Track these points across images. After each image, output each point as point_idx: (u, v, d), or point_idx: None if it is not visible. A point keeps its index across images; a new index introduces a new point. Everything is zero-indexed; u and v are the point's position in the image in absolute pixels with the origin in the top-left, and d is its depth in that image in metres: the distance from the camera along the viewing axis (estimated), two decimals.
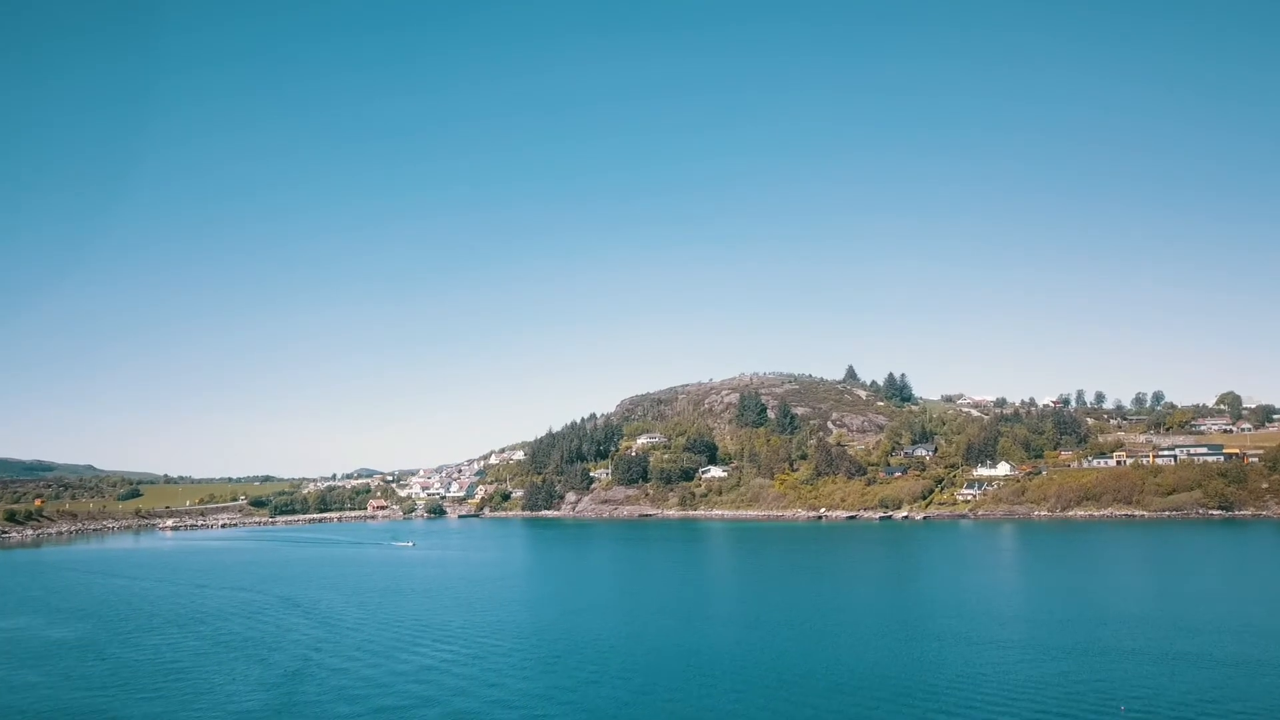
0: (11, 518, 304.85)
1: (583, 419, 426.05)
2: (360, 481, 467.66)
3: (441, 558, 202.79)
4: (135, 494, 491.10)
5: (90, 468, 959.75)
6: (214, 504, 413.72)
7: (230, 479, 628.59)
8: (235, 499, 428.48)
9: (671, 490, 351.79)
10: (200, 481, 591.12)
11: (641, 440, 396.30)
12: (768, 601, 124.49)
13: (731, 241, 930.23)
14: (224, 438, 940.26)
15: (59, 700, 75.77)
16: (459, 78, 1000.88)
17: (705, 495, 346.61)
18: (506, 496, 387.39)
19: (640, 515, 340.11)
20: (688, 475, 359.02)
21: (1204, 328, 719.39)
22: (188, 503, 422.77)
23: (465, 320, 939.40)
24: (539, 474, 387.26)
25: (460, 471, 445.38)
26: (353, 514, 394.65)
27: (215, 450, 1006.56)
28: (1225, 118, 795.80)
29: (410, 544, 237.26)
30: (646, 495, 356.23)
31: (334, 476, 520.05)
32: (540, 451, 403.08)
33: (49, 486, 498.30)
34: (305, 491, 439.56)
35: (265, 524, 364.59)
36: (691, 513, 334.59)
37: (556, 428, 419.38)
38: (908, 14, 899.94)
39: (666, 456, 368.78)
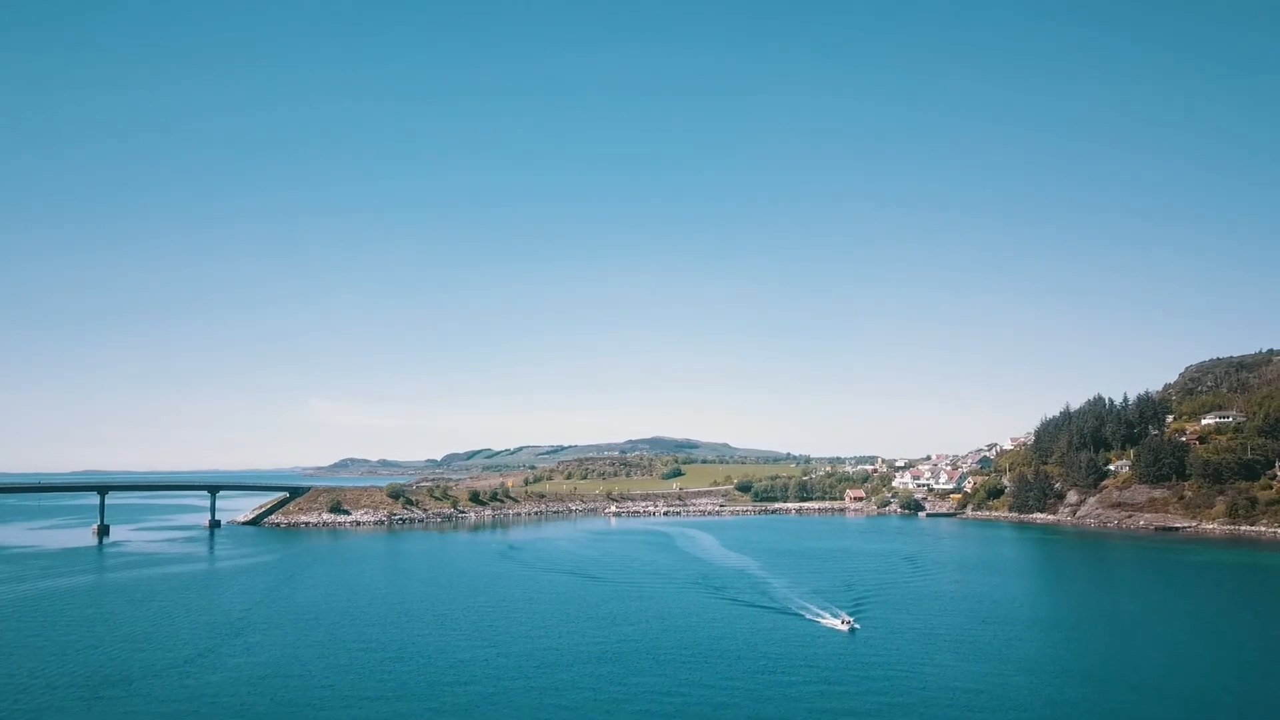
0: (475, 498, 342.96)
1: (1108, 397, 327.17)
2: (859, 469, 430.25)
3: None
4: (677, 473, 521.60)
5: (726, 445, 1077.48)
6: (696, 489, 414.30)
7: (810, 458, 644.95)
8: (728, 481, 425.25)
9: (1220, 493, 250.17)
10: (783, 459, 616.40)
11: (1208, 420, 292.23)
12: None
13: None
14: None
15: None
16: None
17: (1276, 504, 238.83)
18: (997, 492, 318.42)
19: (1157, 528, 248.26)
20: (1251, 472, 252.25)
21: None
22: (713, 483, 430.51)
23: None
24: (1043, 463, 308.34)
25: (962, 460, 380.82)
26: (825, 505, 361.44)
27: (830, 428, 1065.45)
28: None
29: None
30: (1180, 499, 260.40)
31: (839, 459, 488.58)
32: (1044, 436, 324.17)
33: (620, 466, 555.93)
34: (810, 476, 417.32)
35: (740, 513, 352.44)
36: (1244, 529, 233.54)
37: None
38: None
39: (1224, 443, 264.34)
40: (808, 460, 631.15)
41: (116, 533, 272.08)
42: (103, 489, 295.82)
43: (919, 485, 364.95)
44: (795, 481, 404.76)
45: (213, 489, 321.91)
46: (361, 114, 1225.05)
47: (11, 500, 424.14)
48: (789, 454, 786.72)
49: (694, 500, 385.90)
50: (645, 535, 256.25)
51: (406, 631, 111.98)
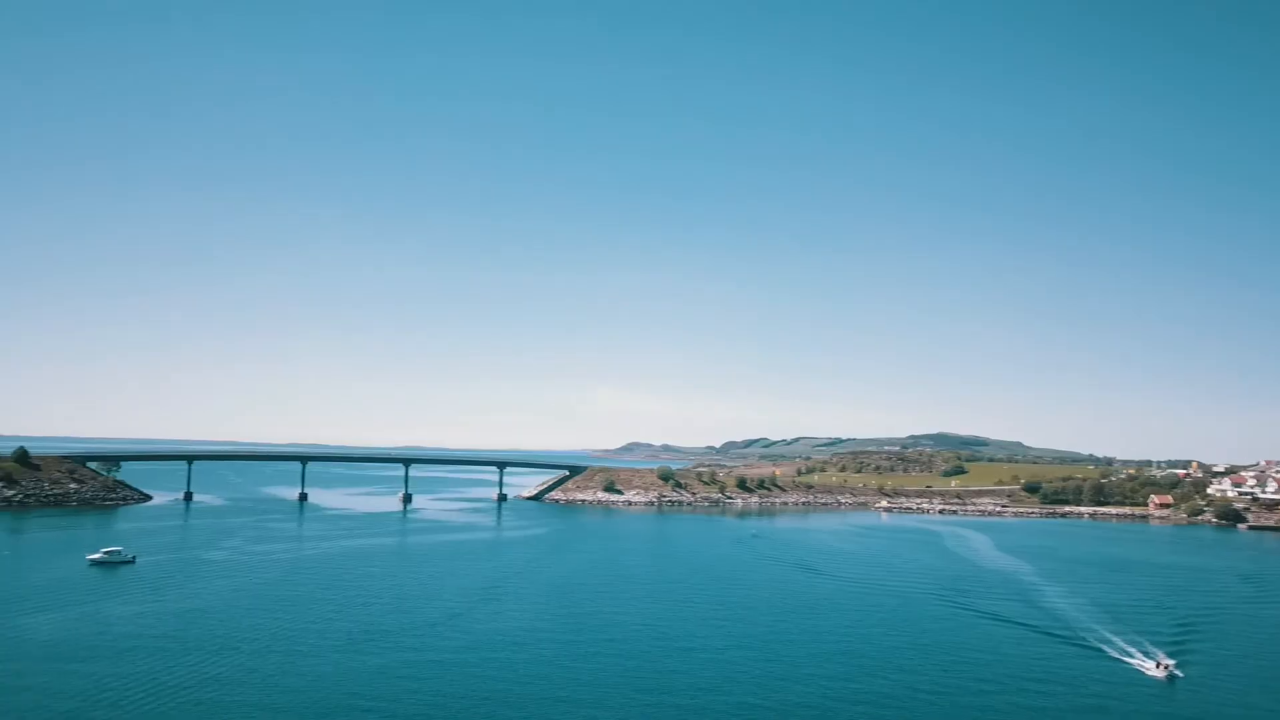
0: (742, 485, 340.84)
1: None
2: (1167, 473, 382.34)
3: None
4: (959, 471, 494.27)
5: (1018, 444, 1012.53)
6: (978, 488, 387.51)
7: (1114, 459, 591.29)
8: (1015, 481, 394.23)
9: None
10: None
11: None
12: None
13: None
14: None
15: None
16: None
17: None
18: None
19: None
20: None
21: None
22: (998, 482, 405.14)
23: None
24: None
25: None
26: (1124, 511, 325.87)
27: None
28: None
29: None
30: None
31: (1146, 463, 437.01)
32: None
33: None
34: (1109, 479, 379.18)
35: (1024, 515, 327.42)
36: None
37: None
38: None
39: None
40: (1109, 462, 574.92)
41: (418, 501, 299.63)
42: (406, 462, 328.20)
43: (1240, 494, 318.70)
44: (1090, 484, 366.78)
45: (501, 465, 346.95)
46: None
47: (338, 469, 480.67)
48: (1090, 455, 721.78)
49: (974, 500, 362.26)
50: (913, 533, 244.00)
51: (622, 607, 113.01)
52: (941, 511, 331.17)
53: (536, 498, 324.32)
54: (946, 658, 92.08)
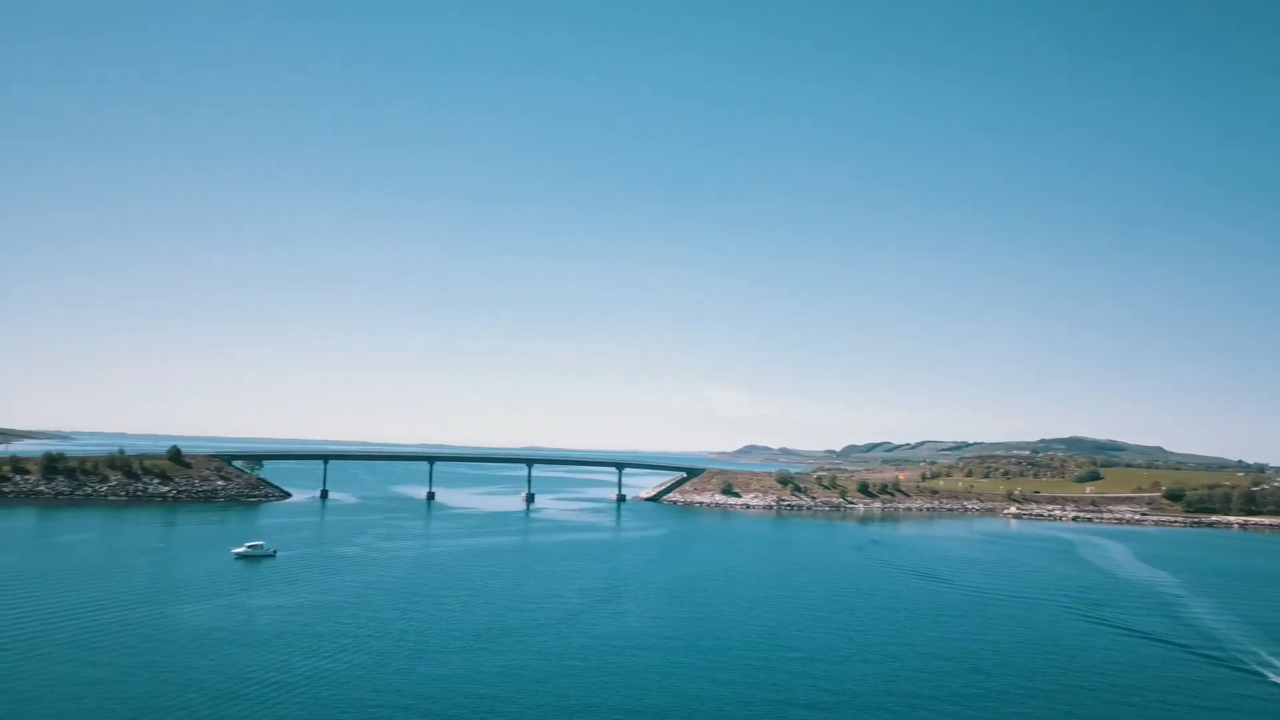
0: (864, 490, 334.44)
1: None
2: None
3: None
4: (1094, 476, 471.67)
5: (1158, 449, 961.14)
6: (1115, 494, 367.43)
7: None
8: (1155, 487, 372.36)
9: None
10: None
11: None
12: None
13: None
14: None
15: None
16: None
17: None
18: None
19: None
20: None
21: None
22: (1136, 488, 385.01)
23: None
24: None
25: None
26: (1278, 520, 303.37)
27: None
28: None
29: None
30: None
31: None
32: None
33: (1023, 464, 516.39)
34: (1263, 486, 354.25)
35: (1166, 523, 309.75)
36: None
37: None
38: None
39: None
40: (1260, 469, 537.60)
41: (540, 501, 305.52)
42: (529, 462, 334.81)
43: None
44: (1241, 491, 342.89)
45: (620, 466, 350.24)
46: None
47: (463, 469, 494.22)
48: (1239, 461, 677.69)
49: (1110, 507, 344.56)
50: (1044, 541, 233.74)
51: (741, 611, 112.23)
52: (1075, 519, 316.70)
53: (654, 499, 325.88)
54: (1084, 676, 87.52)
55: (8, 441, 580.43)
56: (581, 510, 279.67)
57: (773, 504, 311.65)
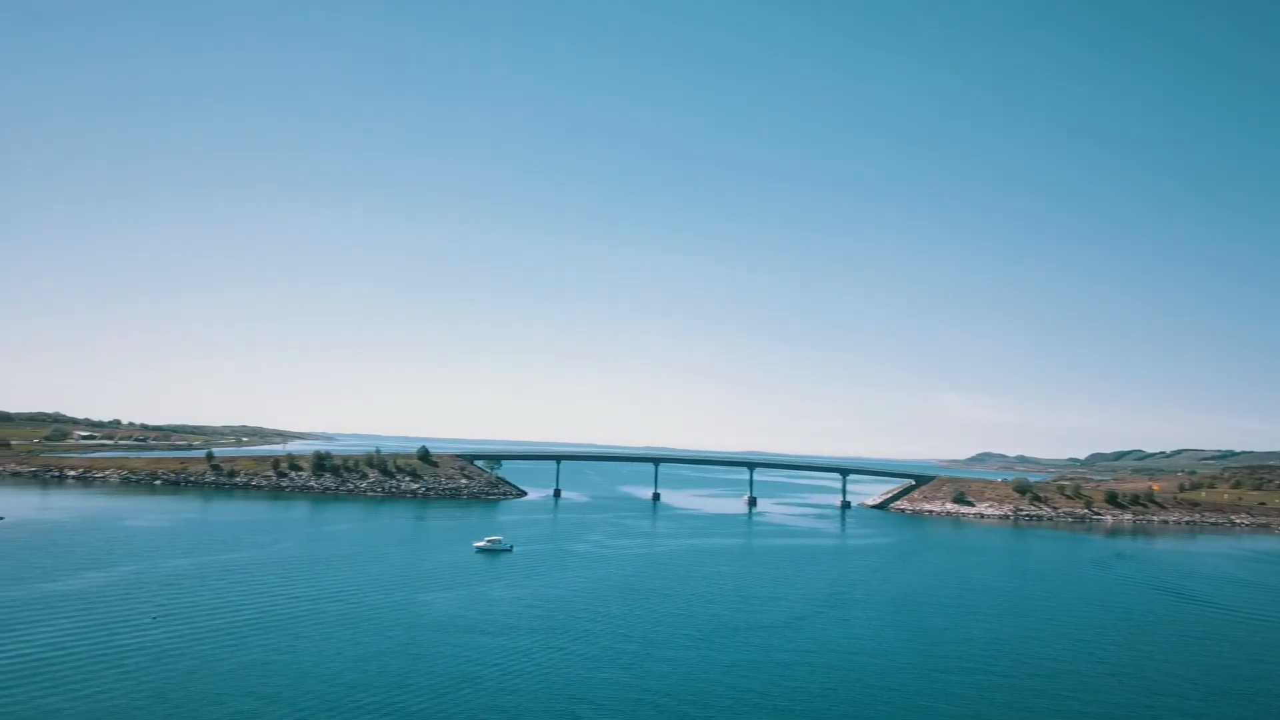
0: (1112, 500, 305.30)
1: None
2: None
3: None
4: None
5: None
6: None
7: None
8: None
9: None
10: None
11: None
12: None
13: None
14: None
15: None
16: None
17: None
18: None
19: None
20: None
21: None
22: None
23: None
24: None
25: None
26: None
27: None
28: None
29: None
30: None
31: None
32: None
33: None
34: None
35: None
36: None
37: None
38: None
39: None
40: None
41: (762, 505, 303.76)
42: (750, 466, 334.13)
43: None
44: None
45: (844, 472, 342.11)
46: None
47: (686, 470, 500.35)
48: None
49: None
50: None
51: (973, 623, 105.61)
52: None
53: (880, 506, 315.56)
54: None
55: (285, 442, 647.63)
56: (804, 515, 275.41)
57: (1009, 514, 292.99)
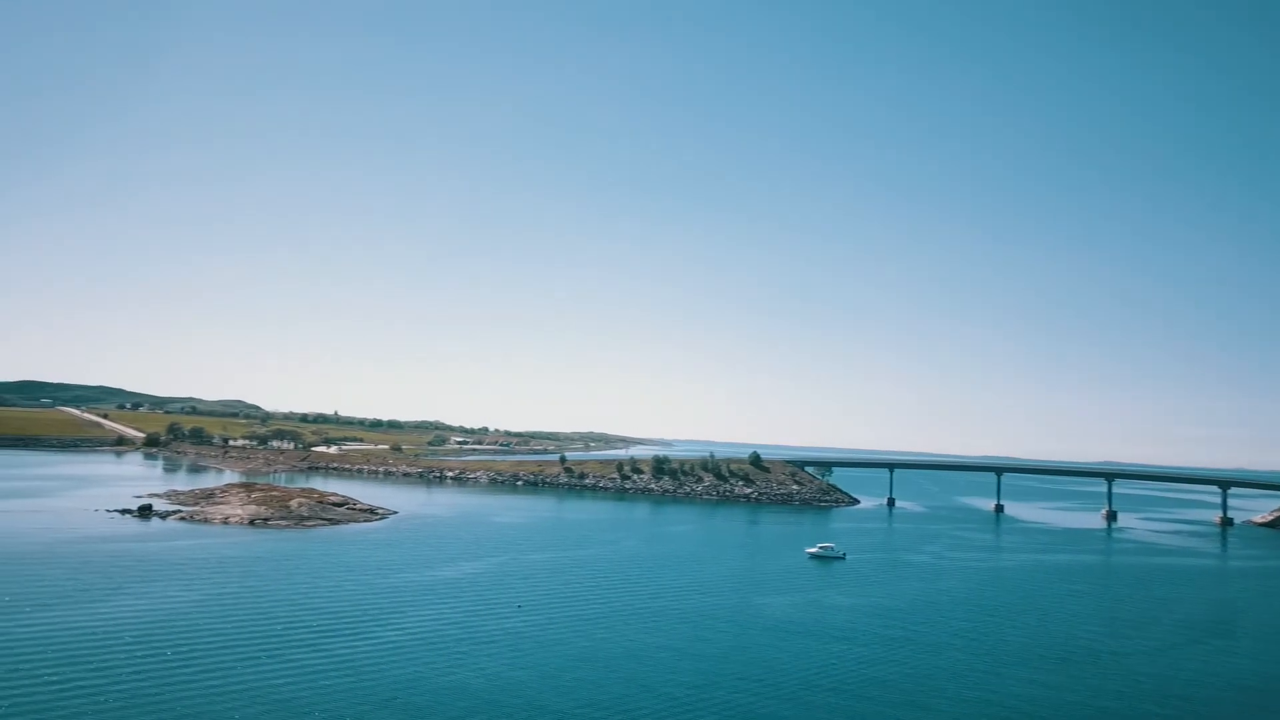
0: None
1: None
2: None
3: None
4: None
5: None
6: None
7: None
8: None
9: None
10: None
11: None
12: None
13: None
14: None
15: None
16: None
17: None
18: None
19: None
20: None
21: None
22: None
23: None
24: None
25: None
26: None
27: None
28: None
29: None
30: None
31: None
32: None
33: None
34: None
35: None
36: None
37: None
38: None
39: None
40: None
41: (1123, 519, 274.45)
42: (1109, 477, 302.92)
43: None
44: None
45: (1224, 485, 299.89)
46: None
47: (1030, 481, 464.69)
48: None
49: None
50: None
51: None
52: None
53: (1272, 525, 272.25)
54: None
55: (627, 446, 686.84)
56: (1174, 533, 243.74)
57: None
